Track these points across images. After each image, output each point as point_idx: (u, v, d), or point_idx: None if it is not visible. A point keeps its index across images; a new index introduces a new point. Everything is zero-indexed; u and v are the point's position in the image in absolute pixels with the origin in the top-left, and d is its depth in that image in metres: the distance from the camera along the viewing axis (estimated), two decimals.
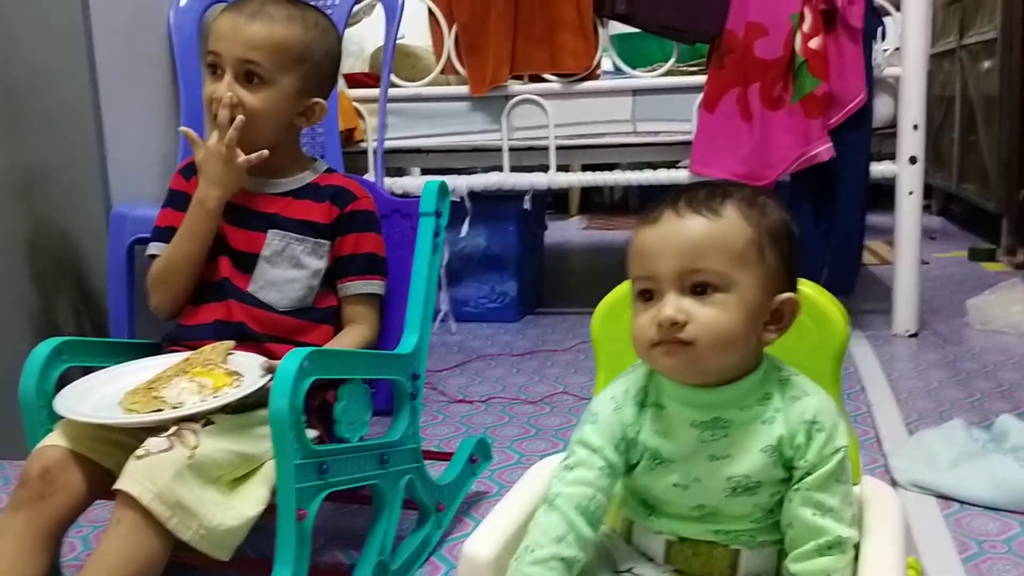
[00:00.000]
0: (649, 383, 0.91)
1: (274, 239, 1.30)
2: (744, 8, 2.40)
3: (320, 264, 1.31)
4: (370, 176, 2.50)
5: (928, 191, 4.83)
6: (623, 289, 1.12)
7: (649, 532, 0.93)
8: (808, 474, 0.85)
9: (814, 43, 2.36)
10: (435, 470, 1.54)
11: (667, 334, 0.83)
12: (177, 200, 1.33)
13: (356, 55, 3.64)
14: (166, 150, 2.07)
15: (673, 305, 0.83)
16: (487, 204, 2.74)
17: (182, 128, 1.33)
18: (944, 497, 1.53)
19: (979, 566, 1.32)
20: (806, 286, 1.06)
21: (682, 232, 0.84)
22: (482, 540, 0.91)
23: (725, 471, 0.87)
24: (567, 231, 4.94)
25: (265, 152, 1.27)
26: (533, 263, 3.07)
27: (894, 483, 1.59)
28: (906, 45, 2.43)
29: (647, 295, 0.86)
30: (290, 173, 1.35)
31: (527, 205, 2.70)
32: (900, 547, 0.87)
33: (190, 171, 1.34)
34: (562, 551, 0.84)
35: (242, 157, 1.26)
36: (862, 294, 2.76)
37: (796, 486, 0.86)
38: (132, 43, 1.95)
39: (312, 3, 2.11)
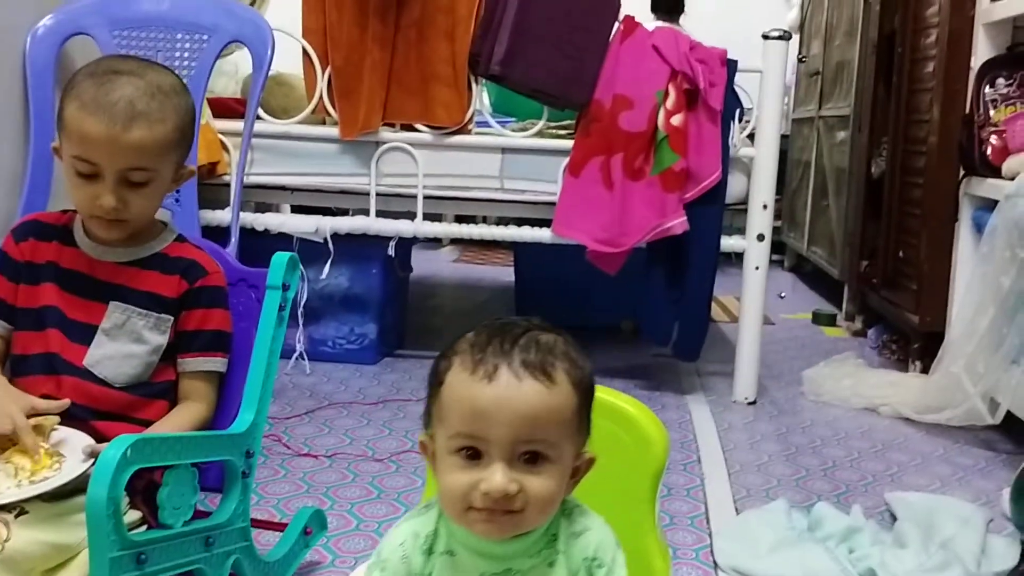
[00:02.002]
0: (439, 527, 0.89)
1: (115, 312, 1.26)
2: (612, 81, 2.49)
3: (161, 340, 1.28)
4: (228, 212, 2.45)
5: (782, 248, 5.08)
6: None
7: None
8: None
9: (676, 120, 2.46)
10: (268, 539, 1.53)
11: (497, 504, 0.81)
12: (7, 266, 1.28)
13: (230, 75, 3.58)
14: (12, 180, 1.99)
15: (505, 476, 0.81)
16: (352, 245, 2.73)
17: None
18: None
19: None
20: (630, 404, 1.11)
21: (522, 401, 0.81)
22: None
23: None
24: (437, 263, 4.96)
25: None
26: (396, 306, 3.07)
27: (716, 566, 1.67)
28: (760, 130, 2.55)
29: (470, 453, 0.82)
30: (139, 241, 1.30)
31: (391, 251, 2.70)
32: None
33: (22, 233, 1.30)
34: None
35: None
36: (709, 355, 2.86)
37: None
38: None
39: (181, 41, 2.08)
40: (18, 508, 1.06)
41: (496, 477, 0.81)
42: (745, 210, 2.63)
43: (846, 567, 1.58)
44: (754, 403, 2.65)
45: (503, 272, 4.51)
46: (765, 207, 2.57)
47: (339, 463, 2.07)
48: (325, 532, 1.60)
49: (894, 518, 1.87)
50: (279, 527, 1.57)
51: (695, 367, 2.91)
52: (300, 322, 2.69)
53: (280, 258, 1.39)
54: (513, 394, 0.82)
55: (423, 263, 4.46)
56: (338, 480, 1.97)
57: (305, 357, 2.73)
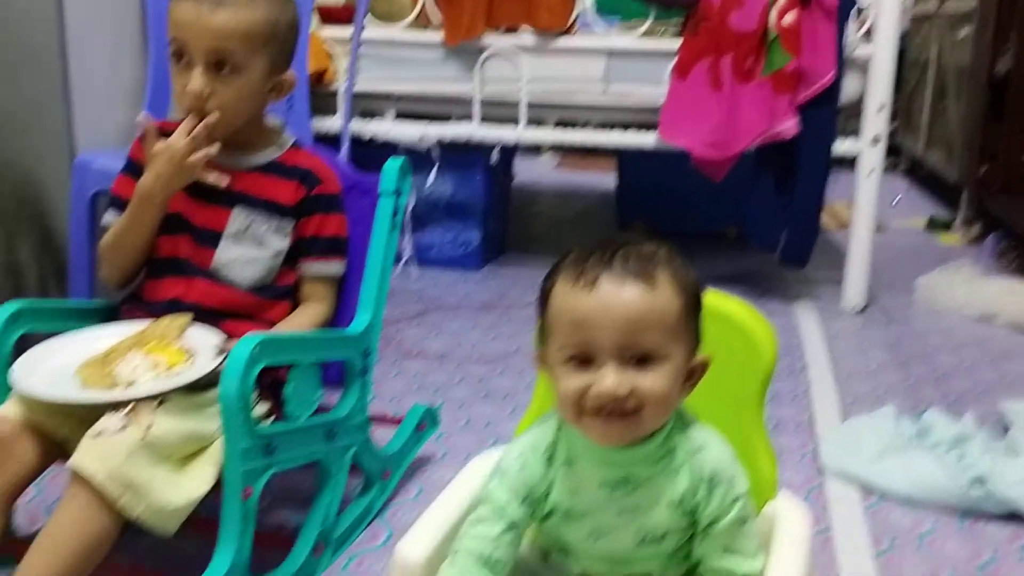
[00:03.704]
0: (559, 438, 0.92)
1: (239, 217, 1.32)
2: None
3: (283, 244, 1.33)
4: (338, 118, 2.50)
5: (897, 151, 4.88)
6: None
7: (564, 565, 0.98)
8: (712, 523, 0.90)
9: (788, 19, 2.37)
10: (383, 434, 1.60)
11: (610, 406, 0.83)
12: (134, 170, 1.33)
13: None
14: (134, 93, 2.07)
15: (615, 378, 0.82)
16: (456, 152, 2.75)
17: (140, 120, 1.31)
18: (866, 488, 1.61)
19: (889, 561, 1.40)
20: (739, 307, 1.11)
21: (623, 304, 0.82)
22: (414, 542, 0.96)
23: (634, 524, 0.91)
24: (538, 170, 4.95)
25: (214, 149, 1.27)
26: (499, 212, 3.09)
27: (821, 470, 1.67)
28: (878, 27, 2.44)
29: (581, 360, 0.84)
30: (257, 147, 1.35)
31: (495, 159, 2.71)
32: (801, 572, 0.94)
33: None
34: None
35: (197, 155, 1.26)
36: (817, 262, 2.80)
37: (703, 534, 0.91)
38: None
39: None
40: (159, 399, 1.14)
41: (607, 379, 0.83)
42: (860, 112, 2.54)
43: (954, 474, 1.57)
44: (863, 311, 2.60)
45: (604, 180, 4.47)
46: (881, 109, 2.47)
47: (448, 364, 2.13)
48: (437, 428, 1.67)
49: (1007, 429, 1.83)
50: (394, 423, 1.64)
51: (802, 274, 2.86)
52: (407, 228, 2.74)
53: (392, 164, 1.42)
54: (615, 299, 0.83)
55: (524, 170, 4.45)
56: (447, 380, 2.03)
57: (413, 262, 2.79)
